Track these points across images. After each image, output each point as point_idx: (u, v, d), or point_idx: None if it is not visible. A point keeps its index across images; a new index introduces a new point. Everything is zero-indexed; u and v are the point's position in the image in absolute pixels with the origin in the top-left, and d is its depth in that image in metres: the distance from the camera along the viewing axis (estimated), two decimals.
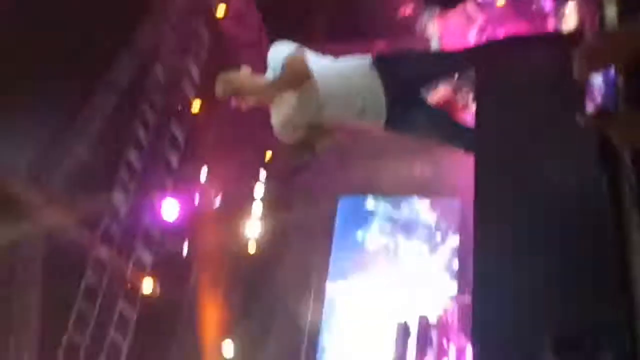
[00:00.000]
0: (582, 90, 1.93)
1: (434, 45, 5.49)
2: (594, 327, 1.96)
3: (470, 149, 3.24)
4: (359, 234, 10.73)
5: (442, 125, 3.63)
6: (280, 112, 3.55)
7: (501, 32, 7.23)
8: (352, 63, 3.67)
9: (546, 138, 2.49)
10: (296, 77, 3.49)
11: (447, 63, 3.78)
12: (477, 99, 2.80)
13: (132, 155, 9.38)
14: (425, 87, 3.81)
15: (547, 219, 2.33)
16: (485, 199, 2.52)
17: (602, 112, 1.85)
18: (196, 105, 9.99)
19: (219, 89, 3.57)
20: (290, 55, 3.55)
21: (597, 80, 1.92)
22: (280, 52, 3.62)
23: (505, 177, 2.50)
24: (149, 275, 8.78)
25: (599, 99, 1.95)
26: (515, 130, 2.60)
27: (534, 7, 7.29)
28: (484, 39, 7.29)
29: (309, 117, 3.51)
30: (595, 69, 1.88)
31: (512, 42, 2.91)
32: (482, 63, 2.85)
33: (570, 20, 4.92)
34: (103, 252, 8.61)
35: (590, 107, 1.92)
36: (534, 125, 2.56)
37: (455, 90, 5.54)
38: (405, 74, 3.57)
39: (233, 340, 9.62)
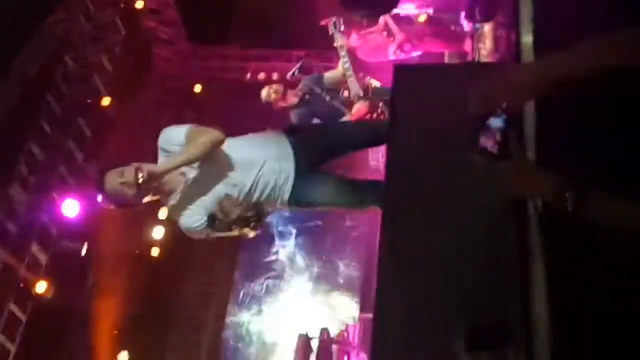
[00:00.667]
0: (477, 125, 1.89)
1: (343, 57, 5.42)
2: (501, 326, 1.98)
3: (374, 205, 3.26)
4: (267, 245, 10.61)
5: (351, 184, 3.64)
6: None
7: (419, 51, 7.28)
8: (265, 134, 3.70)
9: (459, 172, 2.45)
10: (205, 147, 3.27)
11: (364, 137, 3.82)
12: (390, 131, 2.73)
13: (34, 148, 8.95)
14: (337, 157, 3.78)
15: (455, 237, 2.32)
16: (393, 222, 2.47)
17: (491, 152, 1.83)
18: (106, 100, 9.62)
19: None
20: (193, 127, 3.36)
21: (498, 119, 1.89)
22: (176, 130, 3.40)
23: (416, 201, 2.47)
24: (43, 275, 8.38)
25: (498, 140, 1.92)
26: (427, 165, 2.56)
27: (452, 27, 7.39)
28: (402, 55, 7.34)
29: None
30: (489, 108, 1.84)
31: (426, 71, 2.83)
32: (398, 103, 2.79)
33: (487, 43, 4.94)
34: None
35: (490, 148, 1.88)
36: (447, 160, 2.53)
37: (371, 107, 5.50)
38: (317, 145, 3.62)
39: (129, 351, 9.32)
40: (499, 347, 1.93)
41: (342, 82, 5.56)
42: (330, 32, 5.59)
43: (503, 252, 2.21)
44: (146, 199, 3.31)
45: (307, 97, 5.45)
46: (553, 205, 1.65)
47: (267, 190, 3.40)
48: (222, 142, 3.33)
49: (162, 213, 9.68)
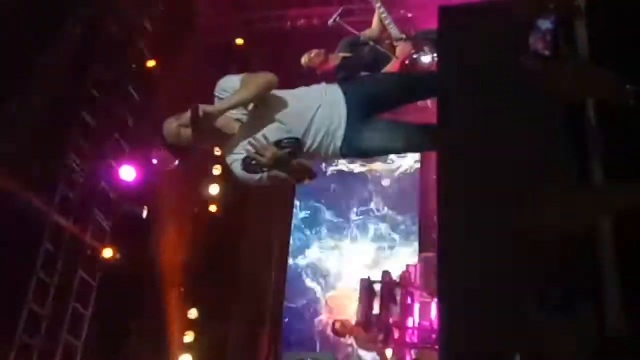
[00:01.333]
0: (528, 28, 1.85)
1: (379, 7, 5.29)
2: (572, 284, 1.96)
3: (434, 146, 3.21)
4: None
5: (403, 127, 3.56)
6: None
7: None
8: (317, 85, 3.68)
9: (513, 119, 2.40)
10: (257, 87, 3.33)
11: (414, 89, 3.72)
12: (440, 76, 2.68)
13: (86, 117, 9.07)
14: (387, 109, 3.71)
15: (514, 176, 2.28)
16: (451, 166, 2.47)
17: (543, 54, 1.80)
18: (151, 63, 9.64)
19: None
20: (246, 74, 3.43)
21: (547, 20, 1.85)
22: (231, 78, 3.48)
23: (472, 143, 2.44)
24: (108, 241, 8.59)
25: (550, 41, 1.88)
26: (480, 112, 2.49)
27: None
28: None
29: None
30: (537, 8, 1.79)
31: (473, 11, 2.74)
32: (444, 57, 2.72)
33: None
34: (60, 218, 8.38)
35: (541, 49, 1.85)
36: (500, 105, 2.49)
37: (417, 47, 5.38)
38: (369, 91, 3.58)
39: (197, 307, 9.55)
40: (570, 306, 1.90)
41: (381, 35, 5.45)
42: None
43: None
44: (203, 143, 3.37)
45: (347, 55, 5.38)
46: (613, 101, 1.58)
47: (320, 135, 3.41)
48: (274, 83, 3.38)
49: (216, 169, 9.78)
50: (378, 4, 5.30)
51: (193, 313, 9.52)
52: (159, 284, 9.08)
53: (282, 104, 3.41)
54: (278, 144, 3.26)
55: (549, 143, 2.27)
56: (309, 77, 5.64)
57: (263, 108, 3.39)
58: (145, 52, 9.75)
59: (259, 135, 3.28)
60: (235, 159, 3.37)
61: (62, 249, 8.21)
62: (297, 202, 10.72)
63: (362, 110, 3.48)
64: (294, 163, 3.32)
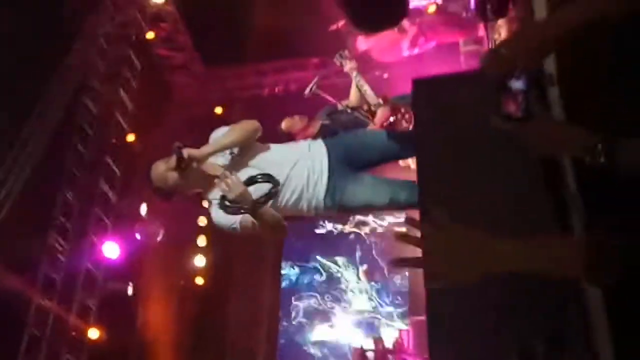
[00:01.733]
0: (499, 90, 1.87)
1: (355, 77, 5.35)
2: (556, 340, 1.94)
3: (412, 206, 3.19)
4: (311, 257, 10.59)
5: (388, 183, 3.55)
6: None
7: (432, 42, 7.16)
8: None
9: (491, 177, 2.45)
10: (242, 132, 3.46)
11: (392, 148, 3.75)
12: (417, 142, 2.71)
13: (67, 194, 9.01)
14: (370, 165, 3.75)
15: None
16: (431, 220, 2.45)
17: (515, 116, 1.82)
18: (131, 137, 9.64)
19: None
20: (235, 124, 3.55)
21: (518, 81, 1.89)
22: (220, 129, 3.61)
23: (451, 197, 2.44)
24: (94, 321, 8.41)
25: (521, 102, 1.91)
26: (458, 172, 2.54)
27: (464, 14, 7.23)
28: (416, 50, 7.22)
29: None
30: (508, 68, 1.83)
31: (444, 82, 2.80)
32: (420, 108, 2.77)
33: (502, 34, 4.80)
34: (44, 300, 8.22)
35: (514, 112, 1.89)
36: (477, 165, 2.51)
37: (394, 111, 5.38)
38: (350, 145, 3.68)
39: None
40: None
41: (359, 102, 5.48)
42: (338, 63, 5.50)
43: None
44: (188, 187, 3.42)
45: (327, 122, 5.38)
46: (585, 159, 1.57)
47: (300, 186, 3.43)
48: (258, 129, 3.49)
49: (201, 240, 9.70)
50: (354, 73, 5.33)
51: None
52: None
53: (264, 152, 3.50)
54: (252, 180, 3.27)
55: (527, 197, 2.29)
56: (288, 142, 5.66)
57: (247, 154, 3.46)
58: (124, 126, 9.74)
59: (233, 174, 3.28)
60: (214, 201, 3.38)
61: (47, 332, 8.02)
62: (284, 265, 10.64)
63: (345, 163, 3.52)
64: (269, 215, 3.29)
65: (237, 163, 3.46)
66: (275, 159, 3.49)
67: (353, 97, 5.43)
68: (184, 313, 9.37)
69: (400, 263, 1.60)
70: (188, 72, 11.23)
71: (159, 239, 9.03)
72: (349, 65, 5.27)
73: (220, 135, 3.47)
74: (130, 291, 8.88)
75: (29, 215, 9.14)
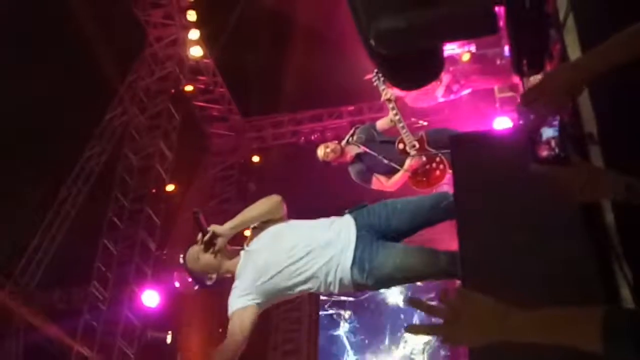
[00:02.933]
0: (532, 139, 1.87)
1: (392, 109, 5.38)
2: None
3: (451, 273, 3.06)
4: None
5: (420, 248, 3.40)
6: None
7: (467, 89, 7.20)
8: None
9: (530, 231, 2.39)
10: (264, 206, 3.41)
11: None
12: (456, 200, 2.69)
13: (108, 244, 9.17)
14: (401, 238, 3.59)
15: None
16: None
17: (552, 159, 1.81)
18: (170, 187, 9.80)
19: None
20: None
21: (550, 129, 1.90)
22: None
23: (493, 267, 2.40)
24: None
25: (555, 148, 1.91)
26: (499, 227, 2.49)
27: (498, 61, 7.28)
28: (451, 97, 7.27)
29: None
30: (541, 112, 1.85)
31: (478, 140, 2.81)
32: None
33: (536, 78, 4.83)
34: (85, 348, 8.31)
35: (546, 155, 1.89)
36: (517, 221, 2.46)
37: (429, 159, 5.41)
38: (380, 214, 3.43)
39: None
40: None
41: (395, 130, 5.51)
42: (375, 84, 5.56)
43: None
44: (219, 269, 3.34)
45: (362, 152, 5.41)
46: (626, 202, 1.55)
47: (325, 259, 3.21)
48: (279, 202, 3.41)
49: None
50: (391, 105, 5.38)
51: None
52: None
53: (285, 234, 3.36)
54: None
55: (572, 258, 2.23)
56: (324, 169, 5.71)
57: (268, 237, 3.37)
58: (164, 176, 9.93)
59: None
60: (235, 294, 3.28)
61: None
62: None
63: (374, 233, 3.33)
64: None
65: (253, 241, 3.40)
66: (298, 236, 3.34)
67: (388, 120, 5.48)
68: None
69: (415, 330, 1.58)
70: (225, 122, 11.44)
71: (197, 287, 9.07)
72: (386, 94, 5.32)
73: (244, 211, 3.44)
74: (169, 339, 8.91)
75: (71, 264, 9.33)
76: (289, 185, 9.60)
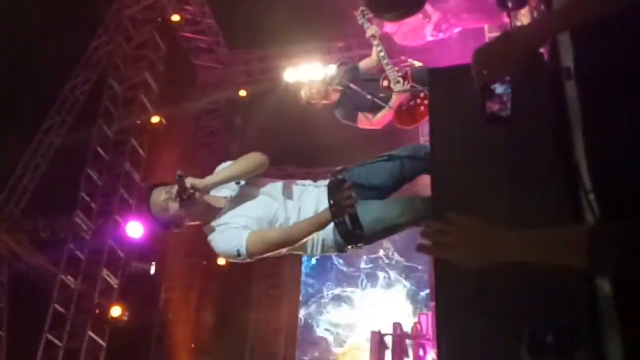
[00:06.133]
0: (483, 96, 1.90)
1: (377, 45, 5.27)
2: (567, 330, 1.89)
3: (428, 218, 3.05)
4: None
5: (396, 200, 3.39)
6: None
7: (457, 28, 7.10)
8: None
9: (505, 173, 2.41)
10: (247, 164, 3.25)
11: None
12: (432, 134, 2.66)
13: (93, 174, 9.15)
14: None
15: None
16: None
17: (499, 115, 1.91)
18: (155, 118, 9.72)
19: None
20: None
21: (502, 85, 1.90)
22: (226, 163, 3.38)
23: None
24: (116, 299, 8.54)
25: (507, 103, 1.93)
26: (472, 168, 2.50)
27: (489, 0, 7.15)
28: (440, 35, 7.16)
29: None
30: (492, 75, 1.84)
31: (460, 72, 2.76)
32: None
33: (523, 19, 4.75)
34: (69, 278, 8.39)
35: (498, 111, 1.90)
36: (493, 159, 2.48)
37: (413, 96, 5.37)
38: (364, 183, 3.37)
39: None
40: (564, 351, 1.86)
41: (379, 69, 5.43)
42: (360, 22, 5.46)
43: None
44: (190, 219, 3.24)
45: (346, 91, 5.34)
46: None
47: (308, 210, 3.21)
48: (264, 161, 3.28)
49: None
50: (376, 42, 5.29)
51: None
52: (169, 340, 9.00)
53: (271, 183, 3.34)
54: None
55: (542, 194, 2.27)
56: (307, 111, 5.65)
57: (253, 186, 3.31)
58: (149, 108, 9.84)
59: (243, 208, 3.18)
60: (215, 230, 3.16)
61: (71, 309, 8.19)
62: None
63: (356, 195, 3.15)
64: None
65: (242, 193, 3.28)
66: (281, 191, 3.31)
67: (372, 60, 5.39)
68: (206, 292, 9.46)
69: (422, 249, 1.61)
70: (212, 54, 11.28)
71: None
72: (371, 30, 5.22)
73: (225, 166, 3.28)
74: (152, 270, 8.99)
75: (55, 194, 9.32)
76: (274, 121, 9.57)
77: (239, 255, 3.04)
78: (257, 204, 3.23)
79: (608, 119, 1.83)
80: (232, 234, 3.08)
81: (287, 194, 3.31)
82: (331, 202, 2.86)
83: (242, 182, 3.32)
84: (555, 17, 1.70)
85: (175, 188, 3.06)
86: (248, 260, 3.08)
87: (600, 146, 2.05)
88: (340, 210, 2.85)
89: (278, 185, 3.36)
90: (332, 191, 2.88)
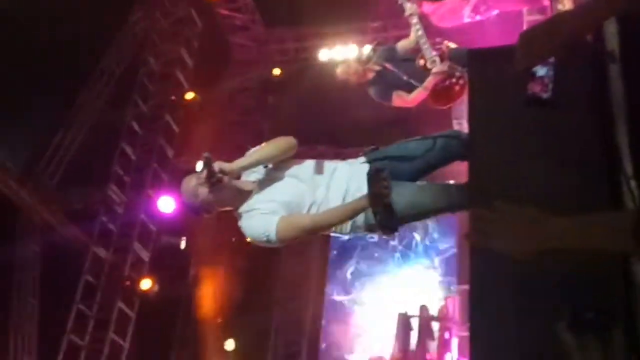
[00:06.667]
0: (525, 80, 1.84)
1: (415, 24, 5.21)
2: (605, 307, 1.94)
3: (464, 206, 3.00)
4: None
5: (433, 185, 3.34)
6: None
7: (495, 10, 6.98)
8: None
9: (544, 159, 2.37)
10: (276, 148, 3.24)
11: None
12: (470, 121, 2.63)
13: (127, 148, 9.24)
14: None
15: None
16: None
17: (540, 96, 1.98)
18: (190, 95, 9.77)
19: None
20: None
21: (545, 67, 1.87)
22: (255, 148, 3.38)
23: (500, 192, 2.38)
24: (147, 272, 8.66)
25: (549, 85, 1.89)
26: (510, 150, 2.45)
27: None
28: (477, 17, 7.07)
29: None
30: (537, 57, 1.81)
31: (499, 54, 2.71)
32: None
33: (566, 4, 4.66)
34: (100, 249, 8.51)
35: (539, 93, 1.87)
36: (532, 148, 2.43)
37: (450, 75, 5.32)
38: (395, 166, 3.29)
39: (234, 335, 9.52)
40: (603, 328, 1.86)
41: (416, 50, 5.38)
42: (399, 2, 5.41)
43: None
44: (220, 204, 3.25)
45: (382, 71, 5.30)
46: None
47: (340, 196, 3.17)
48: (293, 145, 3.27)
49: None
50: (414, 20, 5.23)
51: (230, 344, 9.49)
52: (196, 315, 9.10)
53: (300, 166, 3.29)
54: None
55: (582, 180, 2.24)
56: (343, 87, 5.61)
57: (282, 170, 3.26)
58: (184, 84, 9.88)
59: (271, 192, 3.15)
60: (244, 216, 3.15)
61: (102, 281, 8.31)
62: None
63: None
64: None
65: (271, 178, 3.23)
66: (311, 169, 3.26)
67: (413, 39, 5.33)
68: (235, 268, 9.51)
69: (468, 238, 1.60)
70: (248, 32, 11.26)
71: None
72: (409, 9, 5.16)
73: (254, 150, 3.26)
74: (183, 245, 9.07)
75: (89, 167, 9.44)
76: (307, 101, 9.55)
77: (268, 241, 3.03)
78: (285, 188, 3.20)
79: None
80: (262, 220, 3.07)
81: (315, 174, 3.27)
82: (370, 191, 2.85)
83: (270, 166, 3.32)
84: (600, 4, 1.65)
85: (204, 173, 3.04)
86: (279, 245, 3.07)
87: None
88: (378, 200, 2.84)
89: (305, 165, 3.33)
90: (371, 180, 2.86)
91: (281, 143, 3.26)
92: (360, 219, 3.12)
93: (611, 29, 2.27)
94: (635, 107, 2.06)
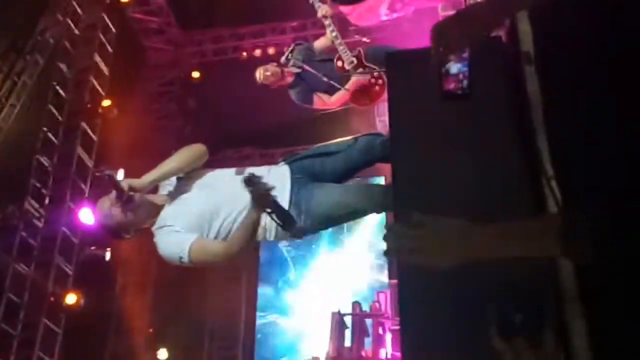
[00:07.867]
0: (439, 71, 1.90)
1: (329, 26, 5.27)
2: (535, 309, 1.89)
3: (388, 206, 3.01)
4: None
5: (356, 185, 3.36)
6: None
7: (411, 7, 7.10)
8: None
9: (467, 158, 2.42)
10: (186, 157, 3.24)
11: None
12: (391, 122, 2.65)
13: (43, 160, 8.94)
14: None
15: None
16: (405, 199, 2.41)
17: (455, 93, 1.90)
18: (106, 102, 9.52)
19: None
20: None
21: (459, 63, 1.91)
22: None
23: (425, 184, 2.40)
24: (71, 286, 8.39)
25: (463, 82, 1.93)
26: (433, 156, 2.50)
27: None
28: (394, 15, 7.16)
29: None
30: (450, 49, 1.84)
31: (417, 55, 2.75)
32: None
33: None
34: (21, 266, 8.20)
35: (454, 90, 1.91)
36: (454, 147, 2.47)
37: (369, 78, 5.38)
38: (317, 170, 3.33)
39: (167, 344, 9.37)
40: (533, 330, 1.89)
41: (333, 49, 5.43)
42: (310, 2, 5.45)
43: None
44: (137, 224, 3.16)
45: (301, 72, 5.32)
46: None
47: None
48: (203, 153, 3.25)
49: None
50: (327, 22, 5.28)
51: (163, 353, 9.33)
52: (126, 326, 8.89)
53: (213, 173, 3.28)
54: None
55: (504, 182, 2.30)
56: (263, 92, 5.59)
57: (193, 179, 3.23)
58: (100, 91, 9.62)
59: (184, 205, 3.11)
60: (158, 232, 3.09)
61: (25, 298, 8.01)
62: None
63: (310, 176, 3.26)
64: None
65: (183, 190, 3.19)
66: (220, 179, 3.23)
67: (326, 40, 5.37)
68: (164, 276, 9.35)
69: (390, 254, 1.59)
70: (163, 35, 11.07)
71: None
72: (322, 11, 5.20)
73: (164, 162, 3.18)
74: (108, 256, 8.83)
75: (5, 181, 9.08)
76: (228, 103, 9.47)
77: (181, 262, 3.00)
78: (198, 199, 3.16)
79: (569, 103, 1.84)
80: (176, 238, 3.02)
81: (230, 181, 3.20)
82: (253, 195, 2.83)
83: (182, 176, 3.26)
84: None
85: (114, 193, 2.99)
86: (192, 266, 3.05)
87: (561, 131, 2.06)
88: (263, 199, 2.82)
89: (219, 173, 3.30)
90: (248, 184, 2.84)
91: (190, 152, 3.23)
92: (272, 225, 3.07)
93: (524, 27, 2.33)
94: (552, 107, 2.11)
